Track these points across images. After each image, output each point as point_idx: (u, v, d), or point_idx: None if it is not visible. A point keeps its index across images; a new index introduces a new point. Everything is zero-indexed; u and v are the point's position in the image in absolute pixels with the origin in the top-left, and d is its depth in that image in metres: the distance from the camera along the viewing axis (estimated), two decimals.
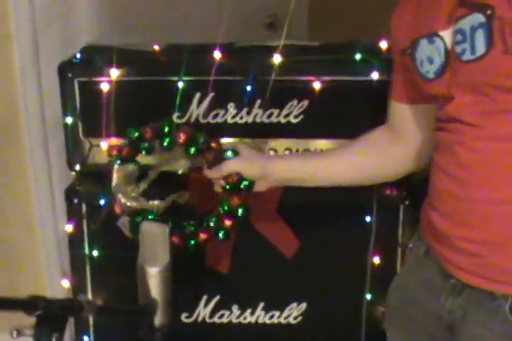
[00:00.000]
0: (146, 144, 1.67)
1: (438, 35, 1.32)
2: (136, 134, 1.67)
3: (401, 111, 1.58)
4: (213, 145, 1.67)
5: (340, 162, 1.67)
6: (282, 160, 1.71)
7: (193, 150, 1.66)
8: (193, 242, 1.70)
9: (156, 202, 1.66)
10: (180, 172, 1.73)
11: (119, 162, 1.68)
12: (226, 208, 1.66)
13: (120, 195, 1.65)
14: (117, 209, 1.67)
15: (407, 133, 1.60)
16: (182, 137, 1.65)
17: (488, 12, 1.20)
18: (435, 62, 1.34)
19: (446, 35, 1.30)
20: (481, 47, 1.22)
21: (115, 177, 1.66)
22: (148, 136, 1.67)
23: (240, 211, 1.67)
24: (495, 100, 1.25)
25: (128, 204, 1.65)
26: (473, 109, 1.29)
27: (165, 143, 1.66)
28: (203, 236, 1.69)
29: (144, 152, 1.68)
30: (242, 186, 1.64)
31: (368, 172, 1.67)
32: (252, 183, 1.65)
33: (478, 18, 1.22)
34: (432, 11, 1.34)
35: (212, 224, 1.69)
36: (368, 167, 1.66)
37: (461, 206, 1.35)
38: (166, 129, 1.66)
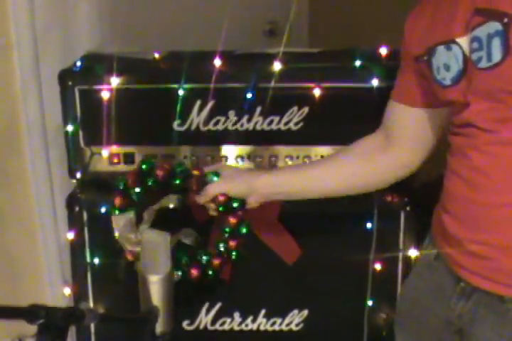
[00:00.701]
0: (134, 190, 1.68)
1: (455, 42, 1.33)
2: (122, 184, 1.68)
3: (407, 115, 1.58)
4: (194, 172, 1.67)
5: (327, 173, 1.67)
6: (267, 176, 1.70)
7: (177, 182, 1.68)
8: (211, 272, 1.72)
9: None
10: (171, 206, 1.74)
11: (116, 213, 1.69)
12: (227, 230, 1.68)
13: (125, 243, 1.66)
14: (129, 257, 1.67)
15: (402, 138, 1.60)
16: (160, 174, 1.66)
17: (505, 20, 1.21)
18: (452, 69, 1.35)
19: (463, 42, 1.31)
20: (497, 55, 1.23)
21: (116, 228, 1.68)
22: (131, 182, 1.68)
23: (243, 229, 1.69)
24: (510, 106, 1.26)
25: (133, 250, 1.65)
26: (489, 115, 1.30)
27: (149, 184, 1.68)
28: (216, 262, 1.71)
29: (135, 198, 1.68)
30: (234, 206, 1.65)
31: (357, 182, 1.67)
32: (242, 201, 1.66)
33: (495, 26, 1.23)
34: (449, 18, 1.34)
35: (222, 249, 1.71)
36: (356, 176, 1.66)
37: (474, 209, 1.36)
38: (146, 169, 1.68)
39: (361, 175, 1.66)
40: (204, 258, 1.72)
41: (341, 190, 1.69)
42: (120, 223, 1.68)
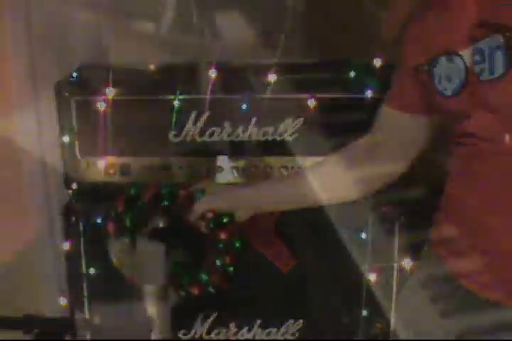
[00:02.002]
0: (126, 217, 1.69)
1: (457, 54, 1.33)
2: (114, 213, 1.69)
3: (403, 122, 1.57)
4: (181, 192, 1.69)
5: (307, 184, 1.67)
6: (249, 189, 1.72)
7: (165, 203, 1.69)
8: (211, 289, 1.72)
9: None
10: (161, 226, 1.75)
11: (112, 239, 1.70)
12: (221, 246, 1.68)
13: (124, 269, 1.67)
14: (131, 281, 1.67)
15: (392, 145, 1.60)
16: (147, 197, 1.68)
17: (508, 34, 1.22)
18: (453, 80, 1.35)
19: (466, 54, 1.31)
20: (499, 68, 1.24)
21: (113, 254, 1.68)
22: (121, 208, 1.69)
23: (237, 244, 1.69)
24: None
25: (133, 274, 1.65)
26: (491, 126, 1.30)
27: (139, 208, 1.69)
28: (214, 278, 1.71)
29: (128, 224, 1.69)
30: (224, 221, 1.67)
31: (344, 189, 1.67)
32: (231, 216, 1.67)
33: (498, 39, 1.24)
34: (451, 30, 1.35)
35: (218, 265, 1.71)
36: (343, 183, 1.66)
37: (476, 217, 1.36)
38: (133, 194, 1.69)
39: (349, 182, 1.66)
40: (203, 276, 1.72)
41: (331, 197, 1.69)
42: (116, 249, 1.69)
